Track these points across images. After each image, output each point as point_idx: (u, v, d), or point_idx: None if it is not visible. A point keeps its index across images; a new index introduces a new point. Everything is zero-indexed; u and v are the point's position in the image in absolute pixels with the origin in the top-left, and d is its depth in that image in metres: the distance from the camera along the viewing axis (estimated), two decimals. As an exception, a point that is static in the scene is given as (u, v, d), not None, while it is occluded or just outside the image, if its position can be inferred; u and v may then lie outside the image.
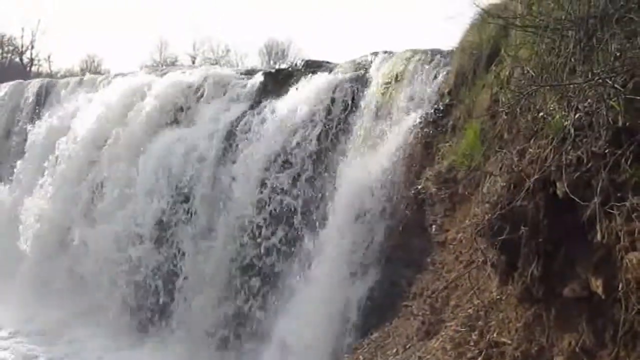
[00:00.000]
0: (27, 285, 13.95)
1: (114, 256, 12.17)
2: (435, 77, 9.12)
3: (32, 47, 51.12)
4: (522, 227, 3.66)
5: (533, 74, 4.80)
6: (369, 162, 8.72)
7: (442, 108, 8.43)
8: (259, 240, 10.13)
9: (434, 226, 7.52)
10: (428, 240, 7.66)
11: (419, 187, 7.82)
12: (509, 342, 3.96)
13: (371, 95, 9.90)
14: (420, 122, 8.48)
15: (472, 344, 4.42)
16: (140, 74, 15.72)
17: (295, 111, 10.65)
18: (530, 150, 3.95)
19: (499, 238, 3.78)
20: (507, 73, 6.36)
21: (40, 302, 13.39)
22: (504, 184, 4.01)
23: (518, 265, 3.82)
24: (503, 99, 5.80)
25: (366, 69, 10.68)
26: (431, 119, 8.42)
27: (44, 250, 13.97)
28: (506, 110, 5.29)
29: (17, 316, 13.19)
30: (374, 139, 9.14)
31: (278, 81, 12.16)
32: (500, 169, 4.59)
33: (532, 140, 4.04)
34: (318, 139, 10.32)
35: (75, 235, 13.09)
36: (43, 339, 12.34)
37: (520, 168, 3.85)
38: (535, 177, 3.60)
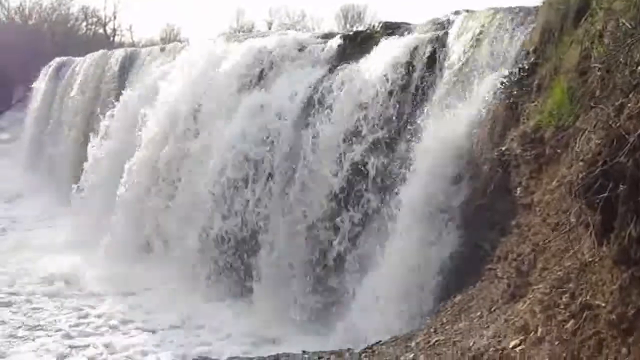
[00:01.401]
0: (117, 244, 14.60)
1: (196, 215, 12.52)
2: (519, 35, 8.81)
3: (115, 18, 52.73)
4: (620, 186, 3.50)
5: (629, 26, 4.55)
6: (450, 124, 8.55)
7: (526, 67, 8.14)
8: (339, 204, 10.19)
9: (519, 188, 7.31)
10: (512, 202, 7.47)
11: (503, 148, 7.62)
12: (603, 304, 3.82)
13: (452, 56, 9.68)
14: (503, 82, 8.22)
15: (562, 306, 4.30)
16: (219, 41, 15.91)
17: (374, 74, 10.54)
18: (629, 105, 3.76)
19: (596, 197, 3.63)
20: (599, 27, 6.06)
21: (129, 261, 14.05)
22: (600, 141, 3.84)
23: (614, 226, 3.66)
24: (595, 54, 5.54)
25: (446, 29, 10.43)
26: (515, 79, 8.14)
27: (130, 214, 14.50)
28: (600, 66, 5.05)
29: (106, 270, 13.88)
30: (455, 101, 8.95)
31: (356, 44, 12.06)
32: (595, 126, 4.40)
33: (631, 94, 3.85)
34: (397, 101, 10.21)
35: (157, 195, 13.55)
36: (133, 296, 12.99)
37: (618, 124, 3.67)
38: (638, 132, 3.42)
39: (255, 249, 11.80)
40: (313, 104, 11.39)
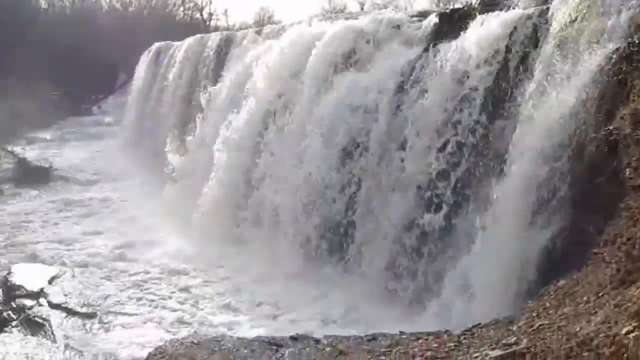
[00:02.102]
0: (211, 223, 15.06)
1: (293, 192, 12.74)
2: (628, 7, 8.35)
3: (210, 3, 54.19)
4: None
5: None
6: (554, 103, 8.25)
7: (637, 41, 7.72)
8: (436, 182, 10.09)
9: (628, 169, 6.96)
10: (620, 184, 7.13)
11: (611, 127, 7.28)
12: None
13: (555, 31, 9.29)
14: (611, 58, 7.82)
15: (679, 292, 4.11)
16: (313, 22, 16.00)
17: (472, 52, 10.29)
18: None
19: None
20: None
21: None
22: None
23: None
24: None
25: (548, 3, 10.02)
26: (625, 54, 7.73)
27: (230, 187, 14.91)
28: None
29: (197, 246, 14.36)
30: (558, 78, 8.60)
31: (453, 22, 11.81)
32: None
33: None
34: (496, 80, 9.94)
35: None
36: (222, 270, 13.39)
37: None
38: None
39: (350, 228, 11.87)
40: (409, 84, 11.27)
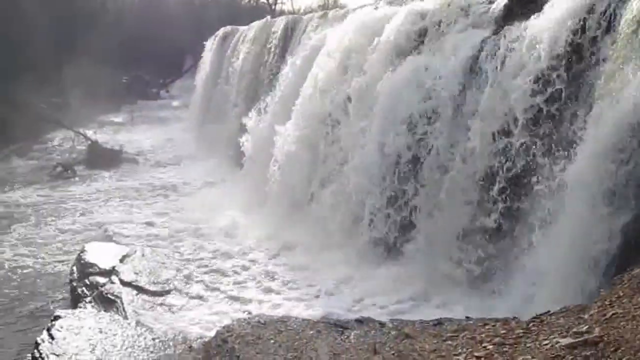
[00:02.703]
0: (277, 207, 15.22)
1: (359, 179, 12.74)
2: None
3: (275, -14, 54.39)
4: None
5: None
6: (633, 83, 7.92)
7: None
8: (505, 170, 9.93)
9: None
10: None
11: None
12: None
13: (633, 12, 8.91)
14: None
15: None
16: (380, 5, 15.87)
17: (544, 34, 9.98)
18: None
19: None
20: None
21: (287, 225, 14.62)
22: None
23: None
24: None
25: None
26: None
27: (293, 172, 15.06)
28: None
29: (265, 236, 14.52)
30: (635, 62, 8.26)
31: (524, 3, 11.47)
32: None
33: None
34: (569, 63, 9.63)
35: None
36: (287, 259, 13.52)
37: None
38: None
39: (415, 210, 11.80)
40: (478, 66, 11.06)
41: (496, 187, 10.14)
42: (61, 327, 8.72)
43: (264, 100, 18.52)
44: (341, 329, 7.27)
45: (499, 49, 10.72)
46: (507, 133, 10.09)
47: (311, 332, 7.21)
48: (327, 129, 14.55)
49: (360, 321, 7.60)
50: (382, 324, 7.41)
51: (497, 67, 10.56)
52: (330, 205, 13.78)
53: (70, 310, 9.89)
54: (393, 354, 6.33)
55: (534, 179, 9.43)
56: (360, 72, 13.80)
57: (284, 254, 13.67)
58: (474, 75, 11.13)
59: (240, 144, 18.82)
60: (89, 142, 27.46)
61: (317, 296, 11.58)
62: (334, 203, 13.67)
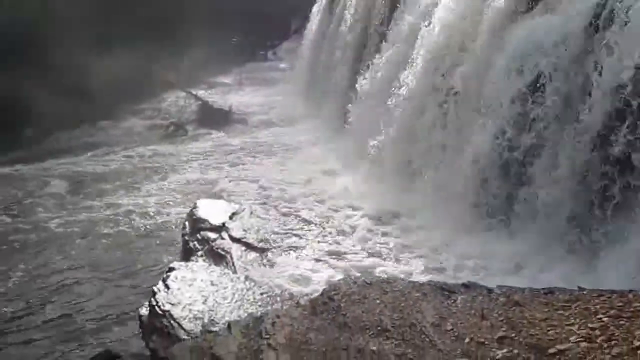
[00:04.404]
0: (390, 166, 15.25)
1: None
2: None
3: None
4: None
5: None
6: None
7: None
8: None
9: None
10: None
11: None
12: None
13: None
14: None
15: None
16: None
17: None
18: None
19: None
20: None
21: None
22: None
23: None
24: None
25: None
26: None
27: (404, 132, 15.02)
28: None
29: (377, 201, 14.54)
30: None
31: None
32: None
33: None
34: None
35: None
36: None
37: None
38: None
39: (523, 181, 11.46)
40: (602, 22, 10.26)
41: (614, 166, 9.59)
42: (175, 278, 9.22)
43: (372, 62, 18.37)
44: (447, 293, 7.19)
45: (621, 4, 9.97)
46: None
47: (417, 294, 7.18)
48: (441, 96, 14.24)
49: (467, 286, 7.47)
50: (489, 290, 7.25)
51: (621, 24, 9.84)
52: (439, 167, 13.62)
53: (183, 263, 10.41)
54: (502, 320, 6.22)
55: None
56: (470, 37, 13.39)
57: (393, 221, 13.64)
58: (592, 36, 10.41)
59: (349, 105, 18.83)
60: (200, 102, 28.32)
61: (414, 263, 11.60)
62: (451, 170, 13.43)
